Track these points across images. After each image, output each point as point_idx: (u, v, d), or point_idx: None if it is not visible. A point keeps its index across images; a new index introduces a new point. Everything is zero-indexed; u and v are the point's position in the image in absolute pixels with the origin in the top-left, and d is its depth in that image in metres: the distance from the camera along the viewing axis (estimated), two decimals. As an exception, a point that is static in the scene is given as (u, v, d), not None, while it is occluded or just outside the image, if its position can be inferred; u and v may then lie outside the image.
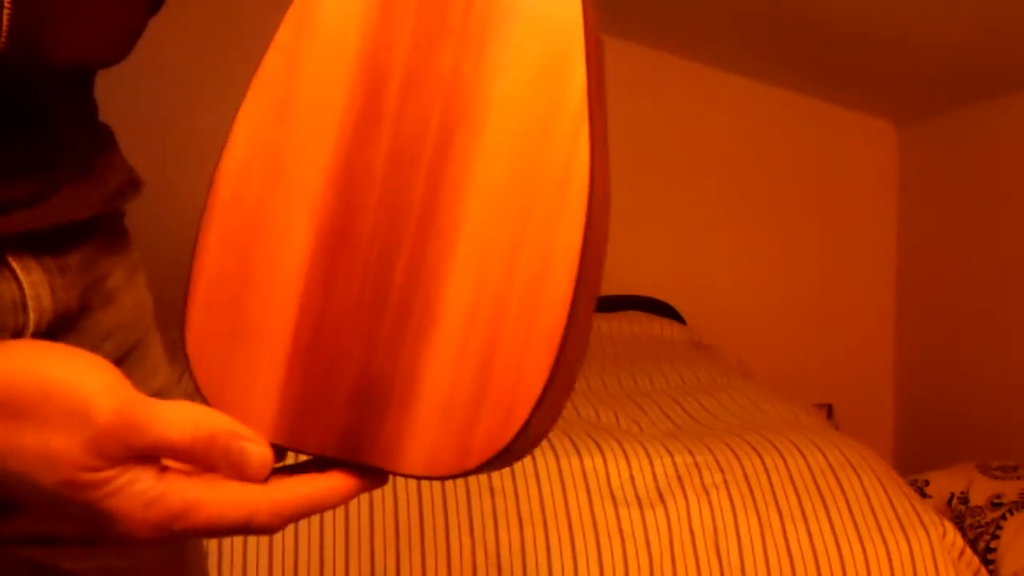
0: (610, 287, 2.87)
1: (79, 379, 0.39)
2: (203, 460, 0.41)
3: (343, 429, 0.45)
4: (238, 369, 0.46)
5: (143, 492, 0.39)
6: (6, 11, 0.45)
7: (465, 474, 0.43)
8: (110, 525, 0.39)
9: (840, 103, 3.01)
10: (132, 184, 0.64)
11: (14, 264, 0.51)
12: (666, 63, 2.95)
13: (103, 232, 0.61)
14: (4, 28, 0.45)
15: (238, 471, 0.41)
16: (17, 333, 0.53)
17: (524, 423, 0.42)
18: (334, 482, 0.44)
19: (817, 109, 3.03)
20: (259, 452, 0.41)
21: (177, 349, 0.49)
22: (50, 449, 0.38)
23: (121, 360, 0.63)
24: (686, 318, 2.78)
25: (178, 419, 0.40)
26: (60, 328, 0.56)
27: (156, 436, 0.39)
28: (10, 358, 0.39)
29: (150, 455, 0.39)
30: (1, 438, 0.38)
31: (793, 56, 2.75)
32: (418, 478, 0.44)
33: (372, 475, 0.45)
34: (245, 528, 0.42)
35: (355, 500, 1.35)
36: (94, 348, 0.59)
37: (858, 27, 2.34)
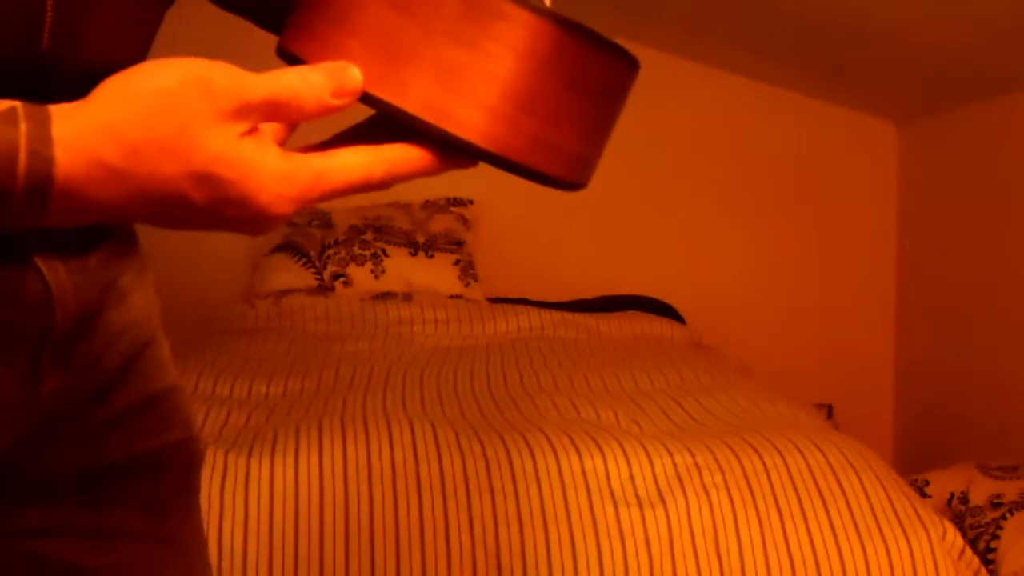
0: (610, 287, 2.87)
1: (191, 70, 0.45)
2: (314, 96, 0.47)
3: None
4: None
5: (278, 171, 0.47)
6: (49, 10, 0.48)
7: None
8: (260, 208, 0.47)
9: (840, 103, 3.01)
10: None
11: (41, 265, 0.52)
12: (666, 63, 2.95)
13: (117, 233, 0.61)
14: (47, 26, 0.48)
15: (338, 89, 0.47)
16: (42, 335, 0.53)
17: None
18: (433, 149, 0.50)
19: (817, 109, 3.03)
20: (352, 72, 0.48)
21: (176, 350, 0.49)
22: (188, 126, 0.44)
23: (135, 357, 0.63)
24: (686, 318, 2.78)
25: (277, 74, 0.47)
26: (78, 327, 0.56)
27: (266, 88, 0.46)
28: (133, 79, 0.46)
29: (270, 117, 0.47)
30: (138, 139, 0.44)
31: (793, 56, 2.75)
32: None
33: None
34: (366, 186, 0.49)
35: (355, 499, 1.35)
36: (108, 346, 0.60)
37: (858, 27, 2.34)
